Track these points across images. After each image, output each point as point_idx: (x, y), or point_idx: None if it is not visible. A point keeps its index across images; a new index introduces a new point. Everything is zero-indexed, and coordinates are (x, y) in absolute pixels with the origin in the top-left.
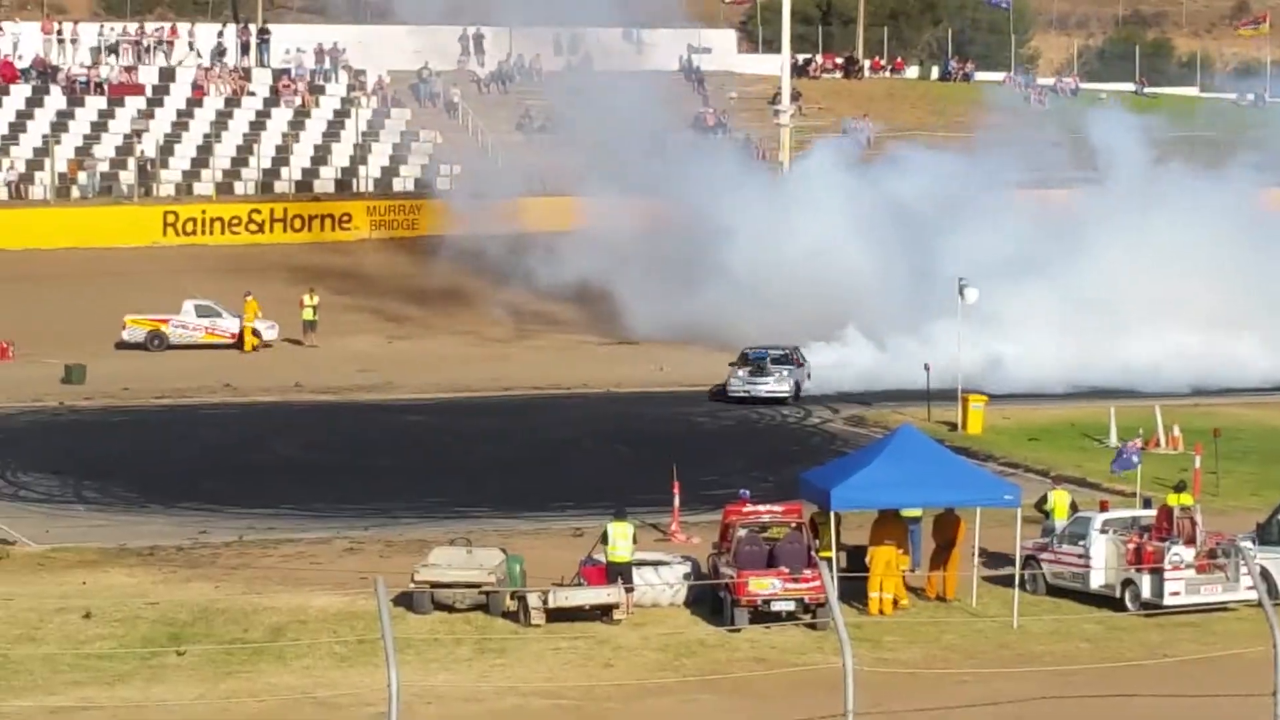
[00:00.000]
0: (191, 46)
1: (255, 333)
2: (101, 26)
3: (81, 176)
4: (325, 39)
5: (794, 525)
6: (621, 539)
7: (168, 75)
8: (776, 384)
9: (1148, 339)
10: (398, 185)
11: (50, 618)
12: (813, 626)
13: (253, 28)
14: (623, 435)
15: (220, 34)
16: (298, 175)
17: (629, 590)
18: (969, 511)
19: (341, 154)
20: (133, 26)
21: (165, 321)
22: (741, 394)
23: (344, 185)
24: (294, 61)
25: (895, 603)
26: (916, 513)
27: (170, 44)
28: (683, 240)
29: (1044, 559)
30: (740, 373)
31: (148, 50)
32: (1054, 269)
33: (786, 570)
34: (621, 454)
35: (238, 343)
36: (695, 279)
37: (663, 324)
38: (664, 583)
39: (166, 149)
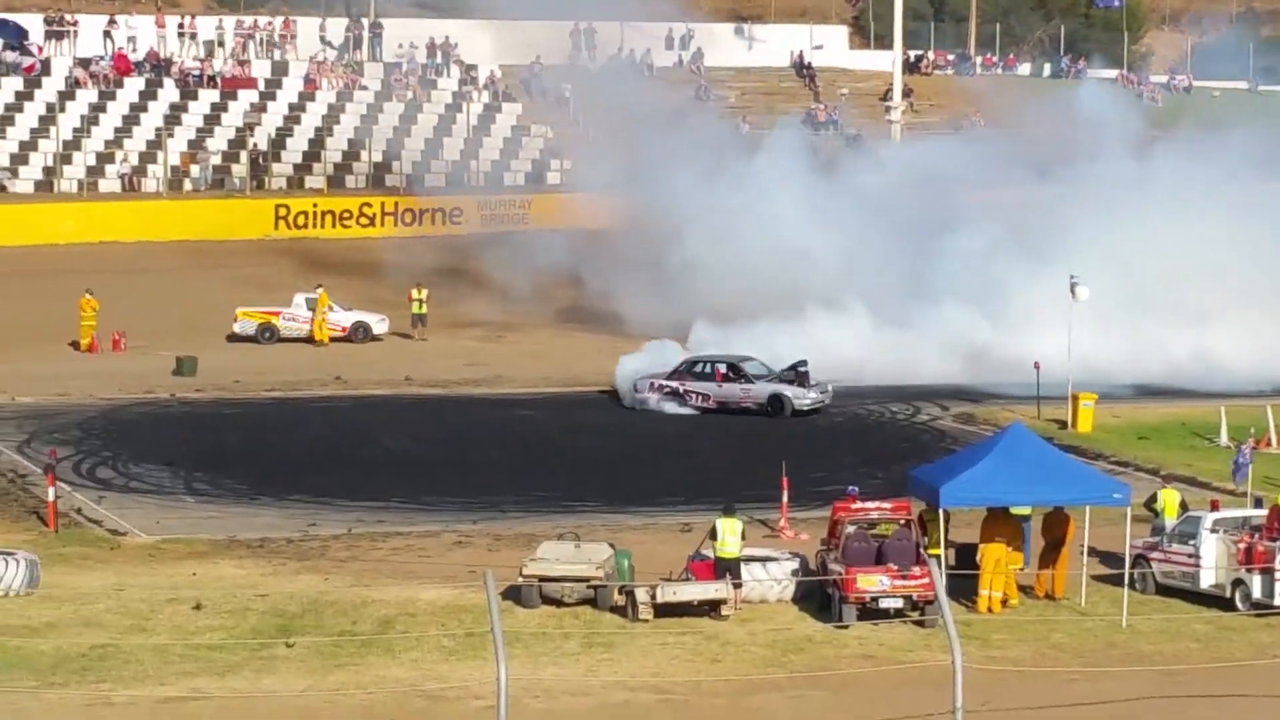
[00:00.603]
0: (323, 40)
1: (363, 328)
2: (220, 20)
3: (194, 170)
4: (438, 33)
5: (903, 522)
6: (730, 535)
7: (280, 69)
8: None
9: (1183, 332)
10: (508, 180)
11: (161, 608)
12: (920, 624)
13: (365, 22)
14: (731, 431)
15: (349, 28)
16: (408, 169)
17: (737, 586)
18: (1078, 510)
19: (452, 148)
20: (246, 20)
21: (276, 314)
22: (816, 405)
23: (454, 179)
24: (406, 56)
25: (1004, 601)
26: (1026, 511)
27: (284, 38)
28: (669, 235)
29: (1153, 558)
30: (786, 385)
31: (261, 44)
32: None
33: (895, 567)
34: (730, 448)
35: (337, 337)
36: (676, 272)
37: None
38: (772, 579)
39: (278, 142)
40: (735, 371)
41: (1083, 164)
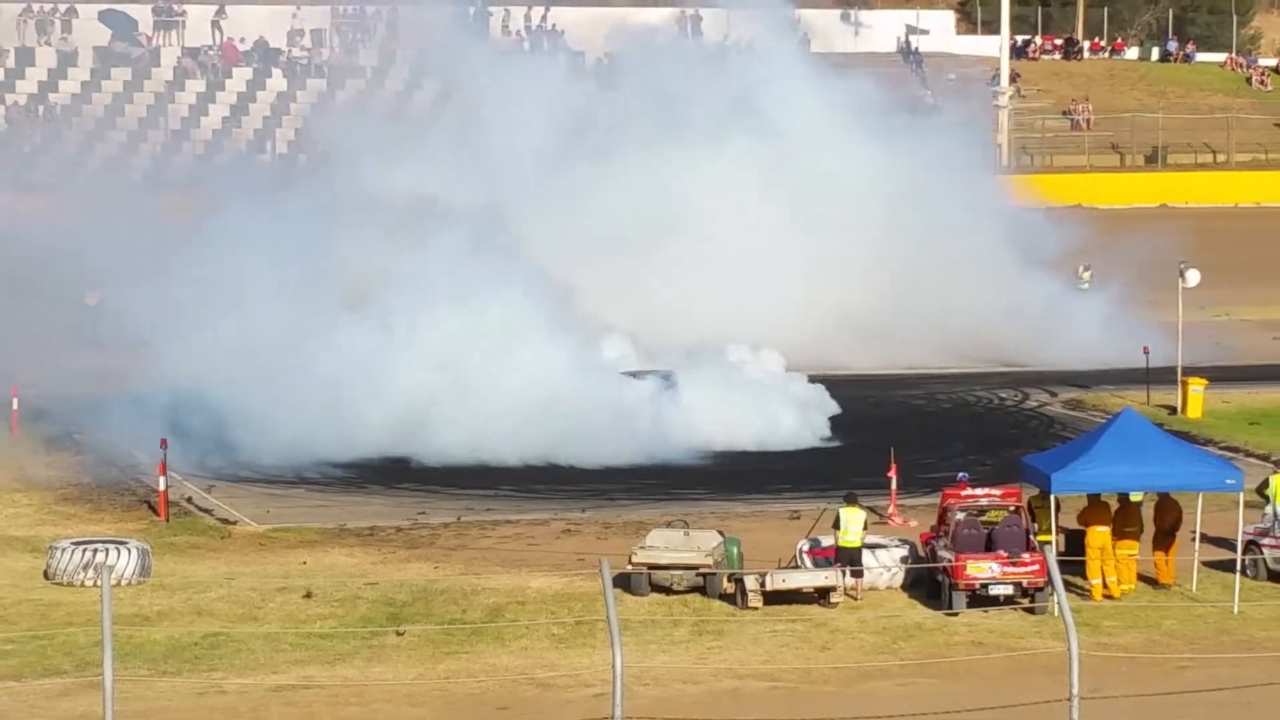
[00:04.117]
0: None
1: None
2: (329, 9)
3: (302, 159)
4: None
5: (1012, 509)
6: (854, 524)
7: (388, 56)
8: None
9: None
10: None
11: (272, 597)
12: (1030, 611)
13: (471, 9)
14: (840, 417)
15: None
16: None
17: (858, 575)
18: (1190, 496)
19: None
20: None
21: None
22: None
23: None
24: (515, 42)
25: (1105, 585)
26: (1138, 497)
27: (391, 25)
28: None
29: (1265, 544)
30: None
31: (369, 32)
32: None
33: (1005, 554)
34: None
35: None
36: None
37: None
38: (881, 566)
39: None
40: None
41: None
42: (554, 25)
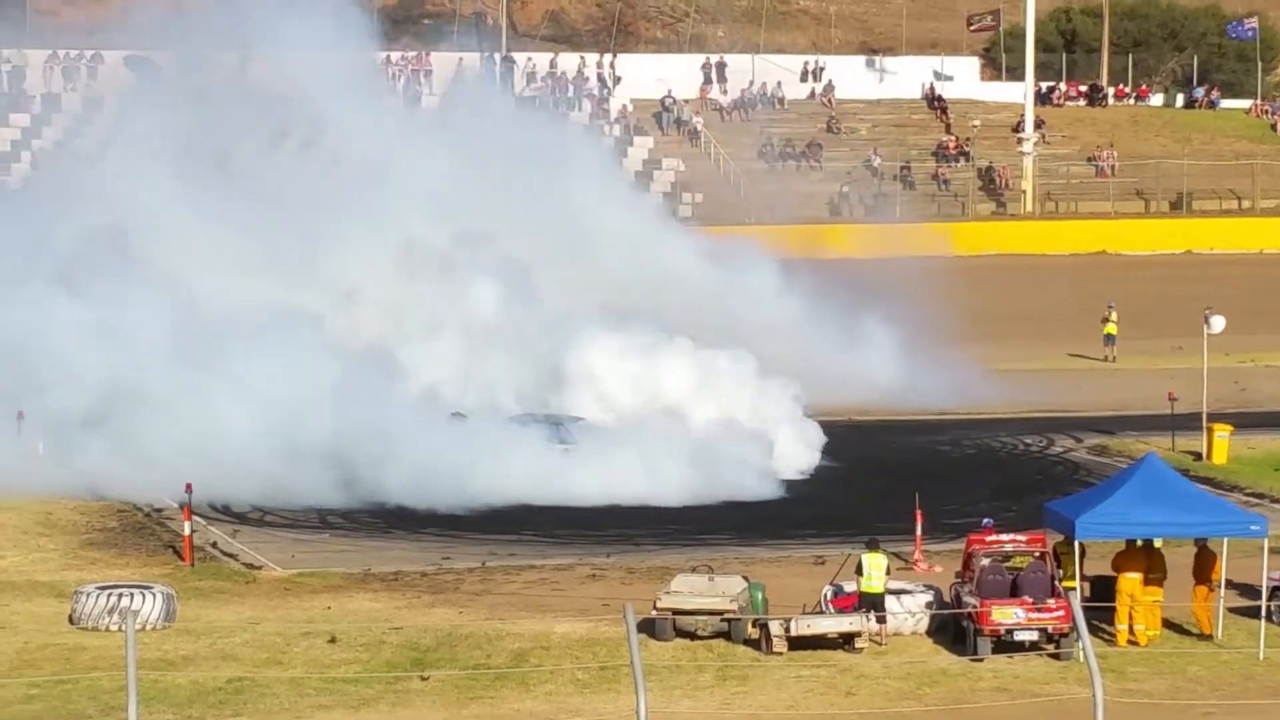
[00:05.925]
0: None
1: None
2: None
3: None
4: (569, 66)
5: (1037, 554)
6: (876, 570)
7: (414, 101)
8: None
9: None
10: None
11: (296, 642)
12: (1056, 656)
13: (497, 56)
14: (866, 464)
15: (480, 62)
16: None
17: (882, 621)
18: (1215, 542)
19: None
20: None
21: None
22: None
23: None
24: (538, 90)
25: (1132, 631)
26: (1159, 542)
27: (416, 72)
28: None
29: None
30: None
31: (394, 79)
32: None
33: (1030, 600)
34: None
35: None
36: None
37: None
38: (906, 611)
39: None
40: None
41: None
42: (580, 71)
